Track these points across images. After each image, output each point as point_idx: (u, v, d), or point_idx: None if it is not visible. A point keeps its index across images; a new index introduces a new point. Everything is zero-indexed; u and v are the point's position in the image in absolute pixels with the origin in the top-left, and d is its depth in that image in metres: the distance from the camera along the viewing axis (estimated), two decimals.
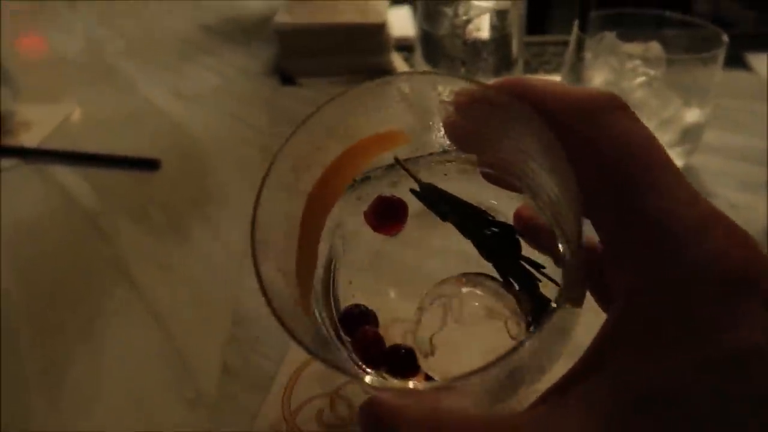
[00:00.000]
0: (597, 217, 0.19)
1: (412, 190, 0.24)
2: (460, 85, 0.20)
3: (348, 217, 0.24)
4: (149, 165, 0.60)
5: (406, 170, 0.23)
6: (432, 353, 0.21)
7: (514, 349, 0.17)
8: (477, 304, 0.22)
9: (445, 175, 0.24)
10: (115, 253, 0.50)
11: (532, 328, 0.21)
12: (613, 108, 0.19)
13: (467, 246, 0.23)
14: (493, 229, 0.23)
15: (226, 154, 0.64)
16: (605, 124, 0.19)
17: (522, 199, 0.23)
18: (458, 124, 0.22)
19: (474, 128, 0.22)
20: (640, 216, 0.18)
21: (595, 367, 0.18)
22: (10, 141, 0.65)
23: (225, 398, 0.38)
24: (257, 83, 0.78)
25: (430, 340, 0.21)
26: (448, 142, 0.23)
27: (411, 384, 0.18)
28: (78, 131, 0.68)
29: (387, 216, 0.24)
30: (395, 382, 0.20)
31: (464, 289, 0.22)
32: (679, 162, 0.56)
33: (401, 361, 0.22)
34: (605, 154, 0.19)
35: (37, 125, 0.68)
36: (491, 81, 0.21)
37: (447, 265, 0.23)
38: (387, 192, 0.24)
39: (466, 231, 0.23)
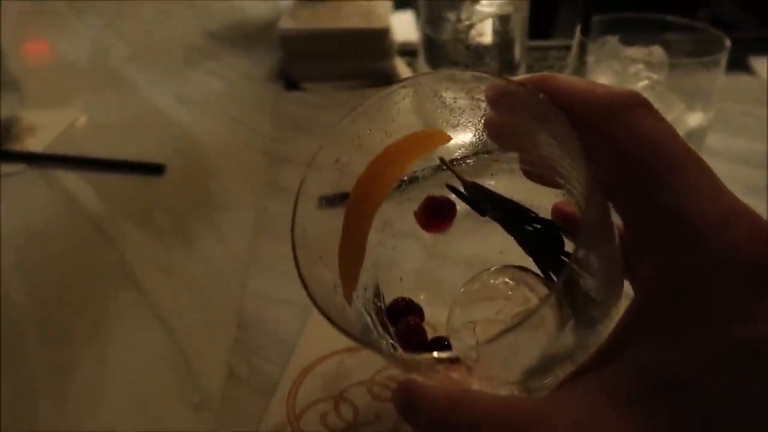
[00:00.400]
0: (622, 212, 0.20)
1: (452, 188, 0.24)
2: (488, 81, 0.21)
3: (397, 216, 0.25)
4: (154, 170, 0.60)
5: (451, 170, 0.24)
6: (469, 341, 0.21)
7: (530, 315, 0.17)
8: (511, 293, 0.22)
9: (492, 174, 0.25)
10: (120, 258, 0.50)
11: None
12: (636, 105, 0.20)
13: (511, 243, 0.23)
14: (536, 225, 0.23)
15: (230, 158, 0.64)
16: (629, 121, 0.19)
17: (563, 194, 0.24)
18: (495, 122, 0.23)
19: (510, 125, 0.22)
20: (662, 210, 0.18)
21: (615, 355, 0.18)
22: (15, 146, 0.65)
23: (229, 402, 0.38)
24: (261, 88, 0.79)
25: (469, 326, 0.22)
26: (490, 141, 0.24)
27: (438, 354, 0.18)
28: (83, 136, 0.69)
29: (436, 215, 0.25)
30: (425, 355, 0.20)
31: (502, 279, 0.23)
32: None
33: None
34: (629, 150, 0.19)
35: (42, 130, 0.68)
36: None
37: (491, 262, 0.24)
38: (436, 192, 0.25)
39: (508, 227, 0.23)
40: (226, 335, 0.42)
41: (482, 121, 0.23)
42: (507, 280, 0.23)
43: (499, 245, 0.24)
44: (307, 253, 0.21)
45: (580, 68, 0.55)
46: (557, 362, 0.20)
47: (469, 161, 0.25)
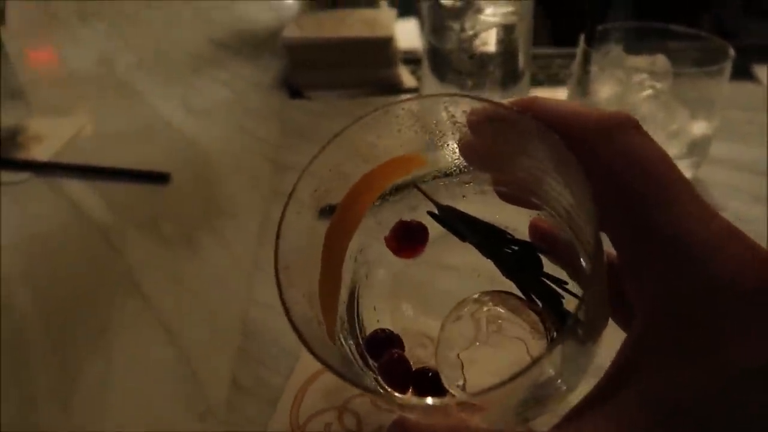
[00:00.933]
0: (614, 234, 0.20)
1: (431, 213, 0.24)
2: (473, 104, 0.21)
3: (369, 241, 0.25)
4: (159, 178, 0.61)
5: (425, 194, 0.24)
6: (457, 373, 0.21)
7: (532, 365, 0.17)
8: (500, 322, 0.22)
9: (464, 196, 0.25)
10: (125, 266, 0.51)
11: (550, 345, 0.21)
12: (627, 127, 0.20)
13: (488, 265, 0.23)
14: (513, 247, 0.23)
15: (236, 166, 0.65)
16: (620, 143, 0.19)
17: (539, 215, 0.23)
18: (473, 144, 0.22)
19: (488, 147, 0.22)
20: (657, 233, 0.18)
21: (620, 384, 0.18)
22: (22, 155, 0.66)
23: (234, 411, 0.38)
24: (266, 96, 0.79)
25: (457, 357, 0.22)
26: (464, 163, 0.24)
27: (431, 400, 0.18)
28: (89, 145, 0.69)
29: (408, 240, 0.24)
30: (421, 399, 0.20)
31: (486, 308, 0.22)
32: (687, 174, 0.56)
33: (428, 384, 0.22)
34: (621, 172, 0.19)
35: (48, 139, 0.69)
36: (498, 95, 0.21)
37: (468, 285, 0.24)
38: (407, 216, 0.24)
39: (485, 250, 0.23)
40: (231, 344, 0.42)
41: (459, 143, 0.23)
42: (492, 306, 0.23)
43: (474, 268, 0.24)
44: (289, 282, 0.20)
45: (584, 77, 0.55)
46: (551, 393, 0.20)
47: (441, 183, 0.25)
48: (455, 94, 0.21)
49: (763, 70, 0.83)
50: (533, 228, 0.23)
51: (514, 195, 0.23)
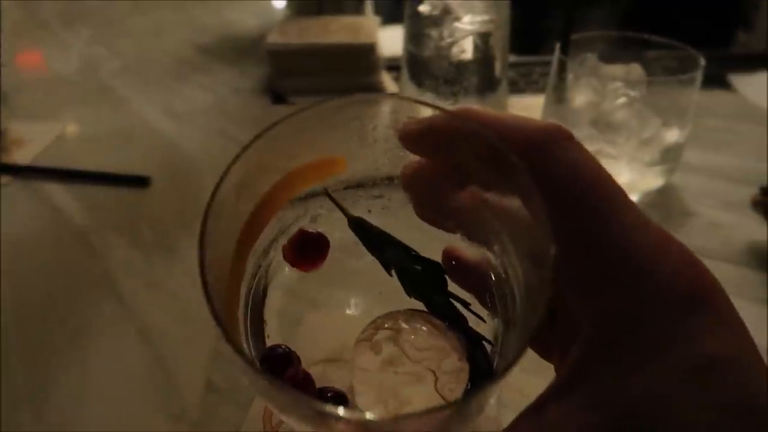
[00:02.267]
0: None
1: (351, 224, 0.23)
2: (412, 108, 0.20)
3: (270, 249, 0.23)
4: (140, 182, 0.61)
5: (337, 204, 0.23)
6: (369, 397, 0.20)
7: (442, 409, 0.17)
8: (415, 347, 0.21)
9: (369, 211, 0.23)
10: (104, 270, 0.51)
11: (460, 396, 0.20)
12: (561, 139, 0.20)
13: (392, 282, 0.22)
14: (417, 267, 0.22)
15: (216, 171, 0.64)
16: (555, 155, 0.19)
17: (452, 239, 0.23)
18: (413, 167, 0.22)
19: (423, 161, 0.22)
20: (599, 243, 0.19)
21: (574, 388, 0.18)
22: (3, 158, 0.66)
23: (208, 414, 0.38)
24: (249, 102, 0.80)
25: (368, 381, 0.21)
26: (381, 175, 0.23)
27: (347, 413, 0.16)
28: (71, 149, 0.69)
29: (307, 252, 0.22)
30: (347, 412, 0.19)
31: (402, 330, 0.21)
32: (660, 180, 0.57)
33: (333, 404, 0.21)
34: (558, 183, 0.19)
35: (30, 142, 0.69)
36: (475, 101, 0.21)
37: (369, 302, 0.23)
38: (309, 225, 0.23)
39: (393, 266, 0.22)
40: (206, 347, 0.43)
41: (386, 153, 0.22)
42: (408, 327, 0.21)
43: (376, 285, 0.23)
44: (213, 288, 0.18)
45: (560, 85, 0.56)
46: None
47: (354, 193, 0.23)
48: (402, 97, 0.20)
49: (740, 79, 0.85)
50: (446, 254, 0.23)
51: (432, 217, 0.23)
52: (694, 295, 0.18)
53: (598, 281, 0.19)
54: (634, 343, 0.18)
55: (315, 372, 0.21)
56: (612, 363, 0.18)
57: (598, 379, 0.18)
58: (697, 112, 0.74)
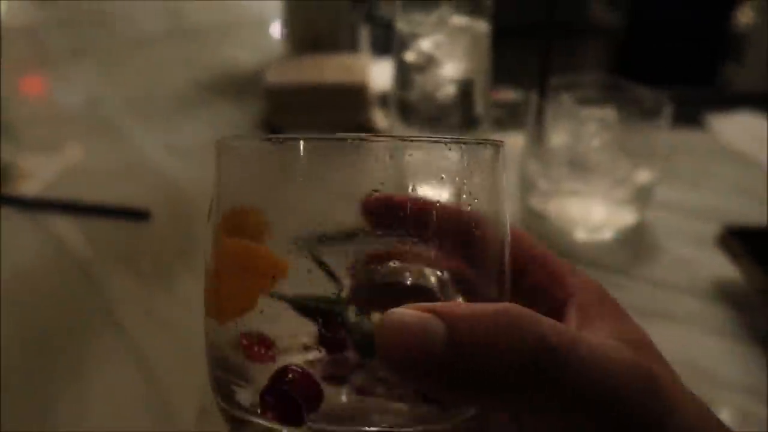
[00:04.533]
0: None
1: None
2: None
3: None
4: (140, 216, 0.64)
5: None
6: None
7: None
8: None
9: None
10: (104, 300, 0.53)
11: None
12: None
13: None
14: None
15: None
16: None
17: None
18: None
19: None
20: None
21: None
22: (8, 190, 0.69)
23: None
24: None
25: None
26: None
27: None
28: (74, 182, 0.72)
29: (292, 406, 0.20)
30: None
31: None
32: (633, 218, 0.60)
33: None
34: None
35: (35, 175, 0.72)
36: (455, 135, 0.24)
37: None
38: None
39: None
40: (201, 374, 0.45)
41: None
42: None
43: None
44: None
45: (537, 127, 0.59)
46: None
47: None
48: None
49: (719, 119, 0.88)
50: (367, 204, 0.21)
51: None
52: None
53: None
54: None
55: None
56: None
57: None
58: (674, 150, 0.78)
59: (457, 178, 0.21)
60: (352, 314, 0.20)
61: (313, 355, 0.20)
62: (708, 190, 0.69)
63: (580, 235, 0.60)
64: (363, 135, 0.21)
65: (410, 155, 0.21)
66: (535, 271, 0.24)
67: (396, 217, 0.20)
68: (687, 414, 0.19)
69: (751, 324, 0.50)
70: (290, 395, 0.20)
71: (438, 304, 0.18)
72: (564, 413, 0.18)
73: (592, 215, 0.59)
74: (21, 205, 0.66)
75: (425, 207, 0.20)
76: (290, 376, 0.20)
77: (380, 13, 1.15)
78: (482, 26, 0.59)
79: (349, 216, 0.21)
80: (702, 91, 1.03)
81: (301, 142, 0.21)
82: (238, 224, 0.21)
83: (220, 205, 0.22)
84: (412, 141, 0.21)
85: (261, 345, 0.21)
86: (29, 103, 0.98)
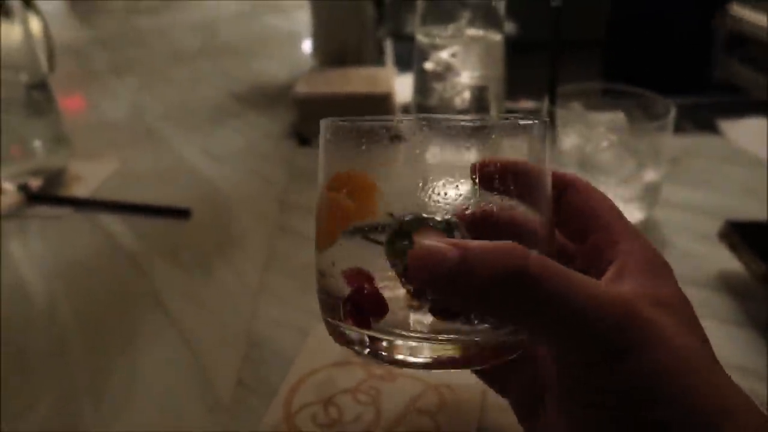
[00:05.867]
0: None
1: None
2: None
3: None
4: (181, 214, 0.70)
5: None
6: None
7: None
8: None
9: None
10: (151, 287, 0.59)
11: None
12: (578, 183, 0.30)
13: None
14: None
15: (248, 205, 0.74)
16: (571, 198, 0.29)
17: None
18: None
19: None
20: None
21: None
22: (64, 192, 0.75)
23: (238, 404, 0.45)
24: (278, 144, 0.89)
25: None
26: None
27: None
28: (121, 184, 0.79)
29: (364, 312, 0.26)
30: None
31: None
32: (640, 214, 0.63)
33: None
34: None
35: (87, 179, 0.79)
36: None
37: None
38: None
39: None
40: (238, 351, 0.50)
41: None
42: None
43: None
44: None
45: (550, 132, 0.63)
46: None
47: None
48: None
49: (729, 124, 0.91)
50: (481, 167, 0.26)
51: None
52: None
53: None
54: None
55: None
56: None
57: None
58: (685, 153, 0.81)
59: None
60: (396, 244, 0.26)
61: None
62: (715, 190, 0.72)
63: None
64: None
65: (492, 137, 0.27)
66: (599, 229, 0.28)
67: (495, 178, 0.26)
68: (675, 347, 0.23)
69: (751, 311, 0.53)
70: (361, 305, 0.26)
71: (457, 240, 0.24)
72: (544, 331, 0.22)
73: None
74: (76, 206, 0.73)
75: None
76: (363, 292, 0.26)
77: (405, 29, 1.21)
78: (496, 36, 0.64)
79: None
80: (707, 98, 1.05)
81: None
82: (339, 185, 0.29)
83: (327, 169, 0.30)
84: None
85: (353, 273, 0.27)
86: (76, 114, 1.06)
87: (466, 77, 0.63)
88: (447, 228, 0.25)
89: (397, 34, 1.31)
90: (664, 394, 0.21)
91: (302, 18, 1.27)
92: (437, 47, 0.64)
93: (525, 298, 0.22)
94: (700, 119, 0.92)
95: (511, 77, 0.68)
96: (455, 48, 0.63)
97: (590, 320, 0.22)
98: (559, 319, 0.22)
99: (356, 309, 0.26)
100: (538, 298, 0.22)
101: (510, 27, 0.66)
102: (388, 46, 1.19)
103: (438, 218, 0.26)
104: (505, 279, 0.22)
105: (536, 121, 0.27)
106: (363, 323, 0.26)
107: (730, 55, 1.39)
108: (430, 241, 0.23)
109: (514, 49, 0.68)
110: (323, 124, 0.30)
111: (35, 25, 0.82)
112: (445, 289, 0.23)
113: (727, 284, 0.57)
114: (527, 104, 0.93)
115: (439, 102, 0.65)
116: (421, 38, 0.65)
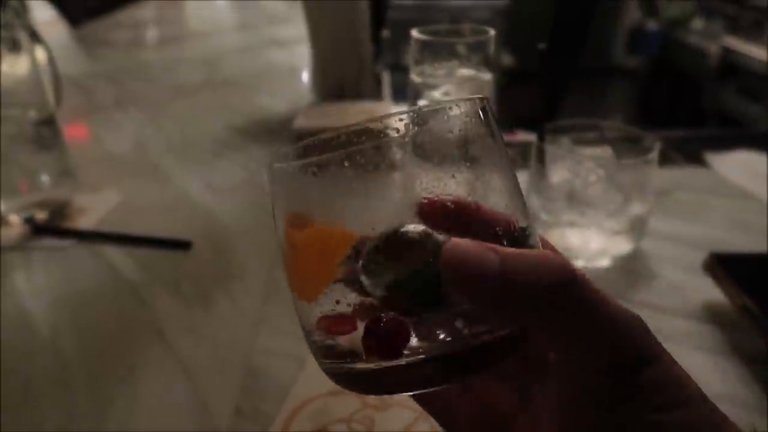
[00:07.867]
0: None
1: None
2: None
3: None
4: (182, 246, 0.72)
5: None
6: None
7: None
8: None
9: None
10: (151, 318, 0.60)
11: None
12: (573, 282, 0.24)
13: None
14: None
15: (247, 237, 0.76)
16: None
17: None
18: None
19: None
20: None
21: None
22: (68, 224, 0.77)
23: None
24: None
25: None
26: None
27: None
28: (124, 217, 0.81)
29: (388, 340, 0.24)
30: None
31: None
32: (628, 246, 0.65)
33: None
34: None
35: (90, 211, 0.81)
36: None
37: None
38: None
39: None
40: (236, 381, 0.52)
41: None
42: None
43: None
44: None
45: (539, 166, 0.66)
46: None
47: None
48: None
49: (716, 157, 0.94)
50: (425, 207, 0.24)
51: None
52: None
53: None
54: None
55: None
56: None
57: None
58: (674, 185, 0.83)
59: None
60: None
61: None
62: (702, 222, 0.74)
63: (580, 263, 0.66)
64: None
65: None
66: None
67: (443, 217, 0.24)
68: (667, 359, 0.24)
69: (736, 342, 0.55)
70: (388, 335, 0.24)
71: (492, 245, 0.23)
72: (578, 336, 0.23)
73: (590, 244, 0.65)
74: (79, 237, 0.74)
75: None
76: (383, 321, 0.24)
77: (403, 59, 1.24)
78: (486, 76, 0.67)
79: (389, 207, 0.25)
80: (695, 132, 1.08)
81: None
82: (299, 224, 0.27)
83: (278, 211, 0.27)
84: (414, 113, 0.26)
85: (339, 322, 0.25)
86: (81, 147, 1.08)
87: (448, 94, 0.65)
88: (423, 237, 0.24)
89: (395, 65, 1.35)
90: (682, 397, 0.23)
91: (303, 53, 1.31)
92: (430, 86, 0.67)
93: (571, 305, 0.22)
94: (689, 152, 0.95)
95: (507, 108, 0.71)
96: (447, 87, 0.66)
97: (621, 327, 0.23)
98: (594, 325, 0.23)
99: (380, 340, 0.24)
100: (581, 303, 0.22)
101: (507, 59, 0.68)
102: (386, 78, 1.23)
103: (410, 228, 0.24)
104: (556, 287, 0.22)
105: (468, 101, 0.25)
106: (392, 352, 0.24)
107: (722, 86, 1.42)
108: (464, 242, 0.22)
109: (511, 79, 0.70)
110: (267, 169, 0.27)
111: (41, 56, 0.85)
112: (486, 294, 0.22)
113: (712, 315, 0.58)
114: (522, 136, 0.96)
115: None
116: (414, 78, 0.68)
